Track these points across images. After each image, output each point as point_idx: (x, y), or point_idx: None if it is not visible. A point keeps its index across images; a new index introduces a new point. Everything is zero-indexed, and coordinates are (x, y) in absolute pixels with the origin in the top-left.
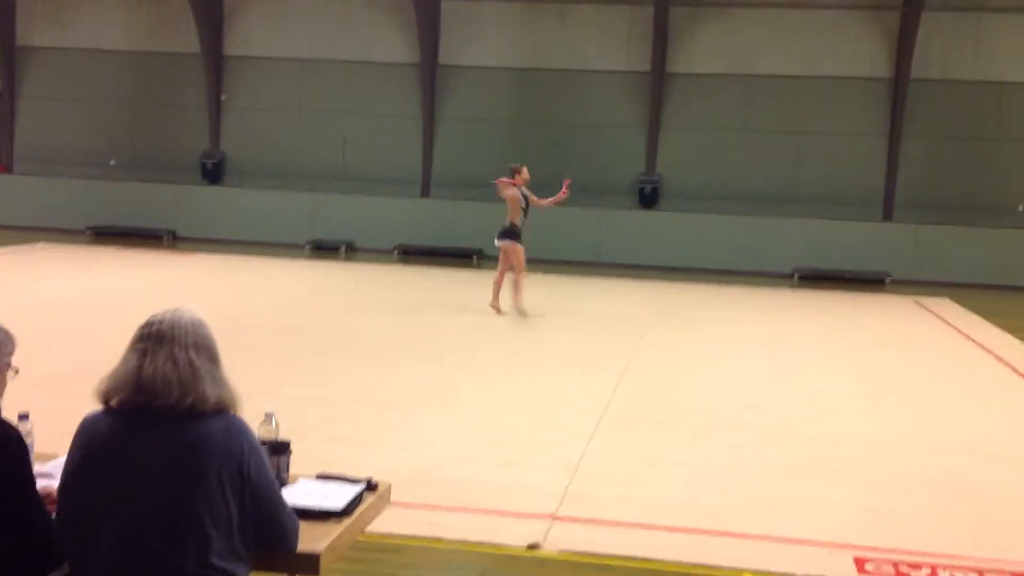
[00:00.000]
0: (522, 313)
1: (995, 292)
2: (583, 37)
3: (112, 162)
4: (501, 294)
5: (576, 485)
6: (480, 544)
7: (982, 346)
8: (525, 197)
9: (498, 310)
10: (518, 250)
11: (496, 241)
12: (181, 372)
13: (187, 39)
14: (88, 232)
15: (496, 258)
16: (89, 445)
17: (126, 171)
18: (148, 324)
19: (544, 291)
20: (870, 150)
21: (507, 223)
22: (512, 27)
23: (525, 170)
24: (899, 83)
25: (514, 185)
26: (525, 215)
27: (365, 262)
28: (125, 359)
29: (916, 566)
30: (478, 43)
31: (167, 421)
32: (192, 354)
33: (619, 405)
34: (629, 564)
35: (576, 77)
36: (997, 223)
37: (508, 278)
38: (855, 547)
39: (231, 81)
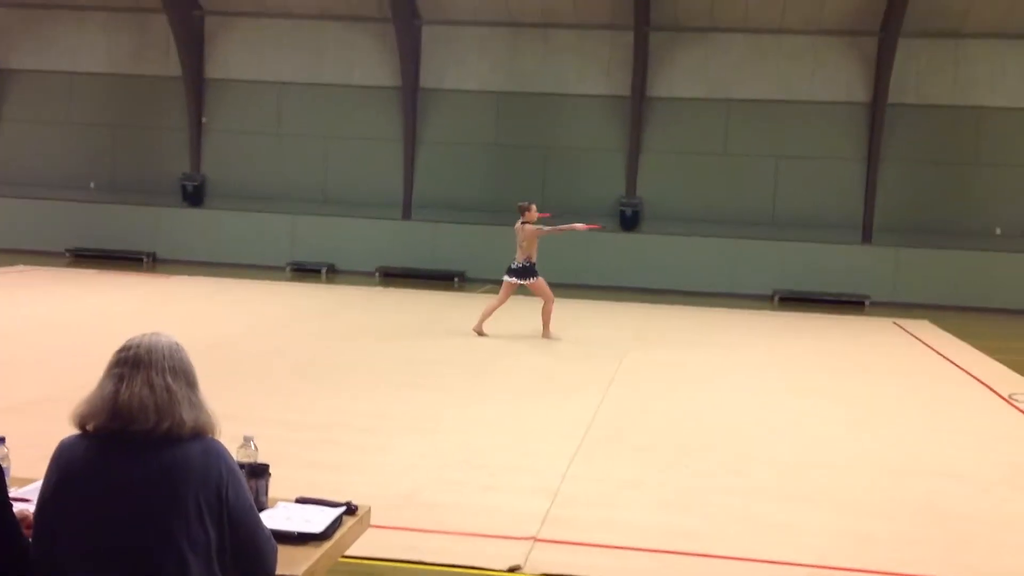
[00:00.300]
0: (551, 337)
1: (974, 314)
2: (564, 61)
3: (92, 184)
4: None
5: (556, 508)
6: (460, 567)
7: (961, 368)
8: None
9: (480, 333)
10: (541, 283)
11: (517, 279)
12: (158, 397)
13: (167, 62)
14: (68, 254)
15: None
16: (66, 469)
17: (106, 193)
18: (125, 348)
19: (525, 314)
20: (849, 174)
21: (524, 262)
22: (493, 51)
23: (534, 208)
24: (877, 108)
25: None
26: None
27: (346, 284)
28: (101, 384)
29: None
30: (459, 67)
31: (144, 446)
32: (169, 379)
33: (599, 428)
34: None
35: (557, 101)
36: (975, 246)
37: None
38: (834, 569)
39: (212, 104)
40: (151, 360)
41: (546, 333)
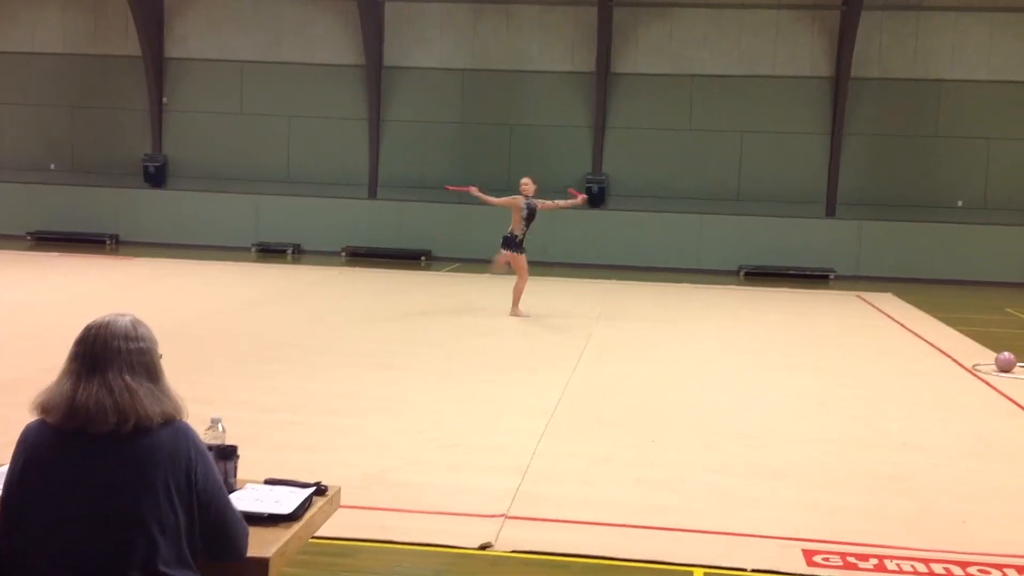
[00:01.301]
0: (519, 315)
1: (937, 286)
2: (527, 38)
3: (52, 166)
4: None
5: (527, 485)
6: (432, 546)
7: (925, 340)
8: (530, 207)
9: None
10: (516, 258)
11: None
12: (118, 398)
13: (126, 42)
14: (29, 238)
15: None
16: (32, 453)
17: (67, 175)
18: (82, 340)
19: (493, 292)
20: (812, 148)
21: (508, 231)
22: (456, 28)
23: (525, 182)
24: (840, 82)
25: (523, 196)
26: (527, 225)
27: (312, 264)
28: (60, 380)
29: (863, 557)
30: (423, 45)
31: (109, 440)
32: (127, 378)
33: (568, 405)
34: (581, 561)
35: (521, 78)
36: (938, 218)
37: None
38: (804, 540)
39: (172, 84)
40: (107, 358)
41: (515, 311)
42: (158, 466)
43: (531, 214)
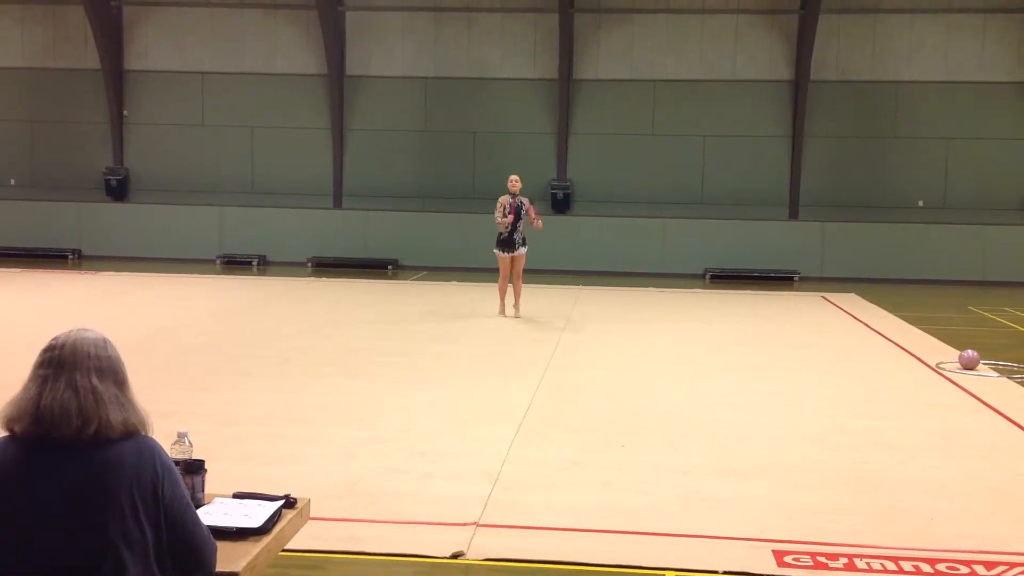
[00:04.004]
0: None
1: (899, 285)
2: (489, 45)
3: (12, 182)
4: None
5: (498, 492)
6: (404, 556)
7: (889, 339)
8: (519, 206)
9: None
10: (498, 258)
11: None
12: (82, 400)
13: (85, 55)
14: None
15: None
16: None
17: (27, 190)
18: (50, 348)
19: (460, 299)
20: (774, 151)
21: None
22: (418, 36)
23: (513, 179)
24: (800, 85)
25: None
26: (514, 224)
27: (278, 275)
28: (26, 387)
29: (833, 556)
30: (384, 53)
31: (73, 449)
32: (95, 380)
33: (538, 411)
34: (553, 568)
35: (484, 85)
36: (898, 219)
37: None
38: (773, 541)
39: (132, 96)
40: (76, 361)
41: (514, 310)
42: (122, 482)
43: (515, 212)
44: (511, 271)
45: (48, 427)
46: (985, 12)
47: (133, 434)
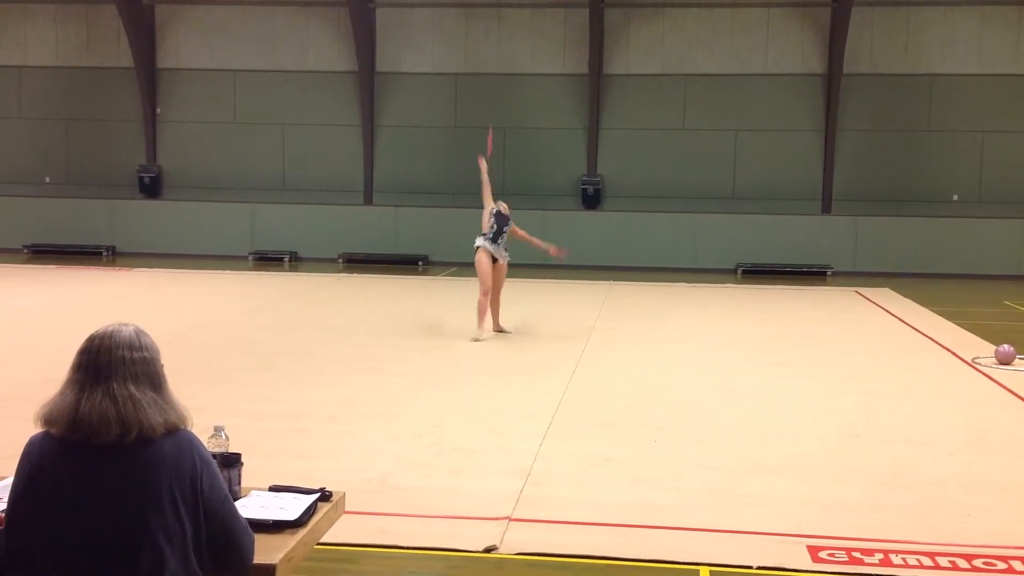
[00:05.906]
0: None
1: (933, 280)
2: (519, 41)
3: (47, 179)
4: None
5: (530, 488)
6: (436, 549)
7: (924, 334)
8: (499, 215)
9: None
10: (478, 263)
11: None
12: (121, 408)
13: (119, 53)
14: (25, 251)
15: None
16: (37, 465)
17: (62, 188)
18: (86, 350)
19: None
20: (807, 145)
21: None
22: (448, 33)
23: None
24: (832, 78)
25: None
26: (499, 231)
27: (309, 272)
28: (63, 391)
29: (869, 552)
30: (415, 50)
31: (113, 452)
32: (131, 387)
33: (569, 407)
34: (586, 562)
35: (514, 81)
36: (933, 213)
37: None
38: (808, 536)
39: (165, 94)
40: (111, 368)
41: (495, 325)
42: (162, 476)
43: (500, 220)
44: (492, 285)
45: (86, 433)
46: (1020, 4)
47: (173, 431)
